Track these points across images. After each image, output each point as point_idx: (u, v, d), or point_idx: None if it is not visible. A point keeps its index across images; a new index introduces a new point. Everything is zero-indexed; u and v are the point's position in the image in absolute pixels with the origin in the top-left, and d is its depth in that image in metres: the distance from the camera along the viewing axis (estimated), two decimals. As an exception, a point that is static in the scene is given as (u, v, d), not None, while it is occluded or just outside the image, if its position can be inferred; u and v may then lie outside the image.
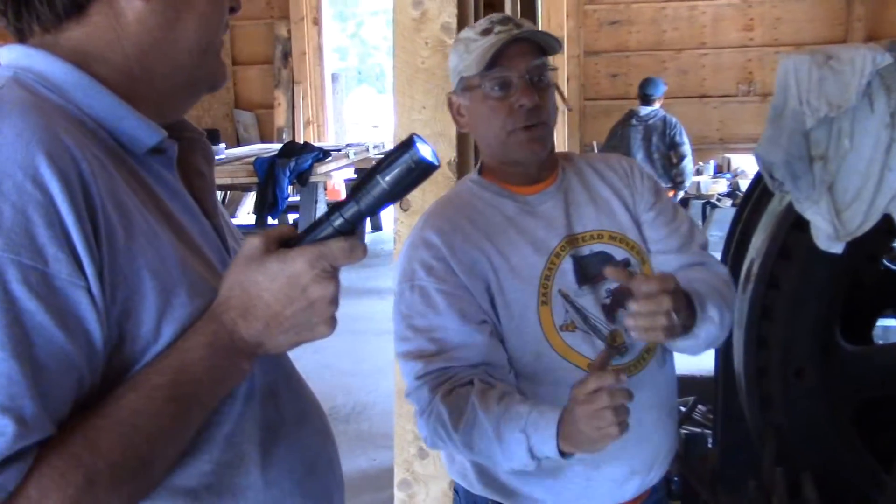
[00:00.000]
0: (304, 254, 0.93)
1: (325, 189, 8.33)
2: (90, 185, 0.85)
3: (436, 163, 0.94)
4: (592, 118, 11.63)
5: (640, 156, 7.05)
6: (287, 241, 0.95)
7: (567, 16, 9.71)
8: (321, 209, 7.76)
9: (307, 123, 11.68)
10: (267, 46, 11.82)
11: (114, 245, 0.86)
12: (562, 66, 10.38)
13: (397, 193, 0.95)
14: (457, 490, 1.78)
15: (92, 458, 0.82)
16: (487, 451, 1.48)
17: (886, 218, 2.11)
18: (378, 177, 0.93)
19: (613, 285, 1.61)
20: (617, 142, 7.26)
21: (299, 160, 7.45)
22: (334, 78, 12.63)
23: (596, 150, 9.53)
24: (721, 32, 11.57)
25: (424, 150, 0.93)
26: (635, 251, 1.66)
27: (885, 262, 2.93)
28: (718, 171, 9.12)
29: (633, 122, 7.30)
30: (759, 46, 11.48)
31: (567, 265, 1.61)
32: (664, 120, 7.23)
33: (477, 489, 1.67)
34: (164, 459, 0.91)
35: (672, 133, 7.11)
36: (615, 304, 1.61)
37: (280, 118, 11.63)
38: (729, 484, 2.82)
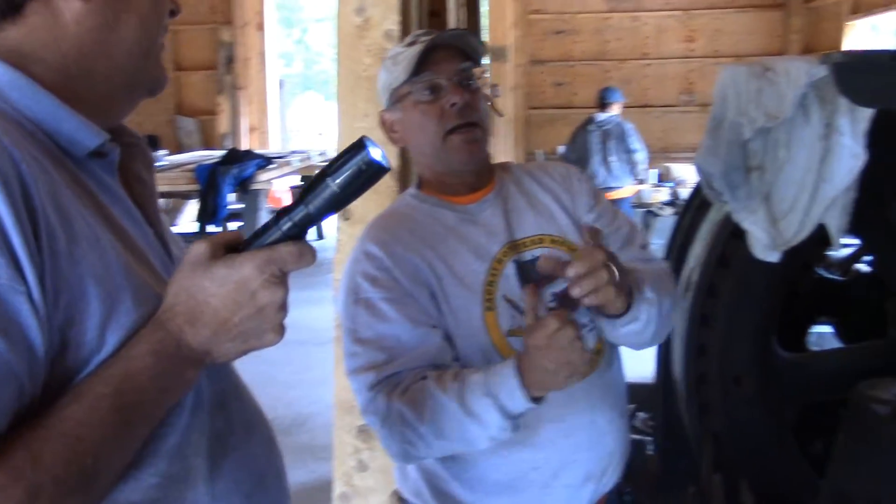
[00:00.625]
0: (252, 258, 0.90)
1: (268, 197, 8.24)
2: (30, 186, 0.82)
3: (386, 165, 0.92)
4: (537, 127, 11.73)
5: (597, 158, 7.56)
6: (234, 247, 0.93)
7: (512, 25, 9.78)
8: (264, 217, 7.68)
9: (251, 130, 11.58)
10: (210, 52, 11.68)
11: (55, 249, 0.83)
12: (507, 75, 10.47)
13: (347, 197, 0.92)
14: None
15: (34, 472, 0.78)
16: (460, 432, 1.44)
17: (821, 227, 2.15)
18: (328, 179, 0.91)
19: (557, 288, 1.61)
20: (577, 146, 7.73)
21: (242, 167, 7.37)
22: (279, 84, 12.53)
23: (541, 159, 9.60)
24: (663, 43, 11.77)
25: (375, 153, 0.91)
26: (579, 254, 1.66)
27: (818, 270, 2.99)
28: (660, 179, 9.23)
29: (591, 127, 7.73)
30: (700, 57, 11.69)
31: (510, 270, 1.60)
32: (620, 126, 7.67)
33: None
34: (109, 472, 0.87)
35: (627, 139, 7.59)
36: (560, 306, 1.61)
37: (223, 124, 11.50)
38: (669, 490, 2.85)
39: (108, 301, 0.87)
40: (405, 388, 1.48)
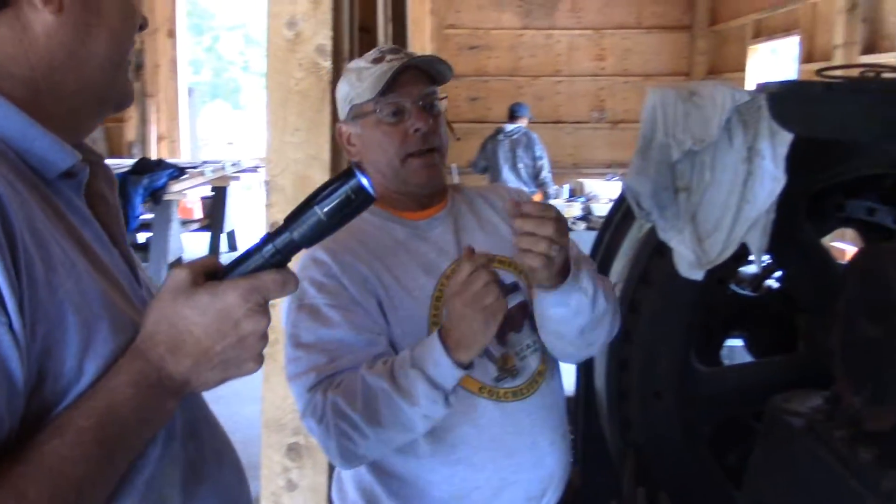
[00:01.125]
0: (236, 287, 0.88)
1: (179, 208, 8.05)
2: (8, 211, 0.79)
3: (374, 195, 0.92)
4: (452, 141, 11.78)
5: (506, 166, 8.30)
6: (214, 273, 0.90)
7: (429, 40, 9.82)
8: (175, 228, 7.51)
9: (160, 139, 11.30)
10: (118, 57, 11.38)
11: (33, 276, 0.80)
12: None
13: (333, 225, 0.91)
14: None
15: None
16: (393, 413, 1.43)
17: (742, 246, 2.22)
18: (315, 207, 0.90)
19: (510, 304, 1.62)
20: (487, 154, 8.44)
21: (153, 177, 7.19)
22: (190, 92, 12.28)
23: (455, 174, 9.67)
24: (575, 61, 12.02)
25: (364, 182, 0.91)
26: (524, 276, 1.67)
27: (731, 286, 3.08)
28: (572, 194, 9.38)
29: (500, 137, 8.44)
30: (611, 76, 11.99)
31: None
32: (527, 135, 8.41)
33: None
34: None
35: (532, 146, 8.34)
36: (506, 326, 1.62)
37: (130, 132, 11.19)
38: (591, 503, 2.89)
39: (85, 330, 0.84)
40: (339, 382, 1.47)
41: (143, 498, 0.91)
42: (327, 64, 2.08)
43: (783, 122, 1.48)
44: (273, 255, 0.90)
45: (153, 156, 9.65)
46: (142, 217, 7.40)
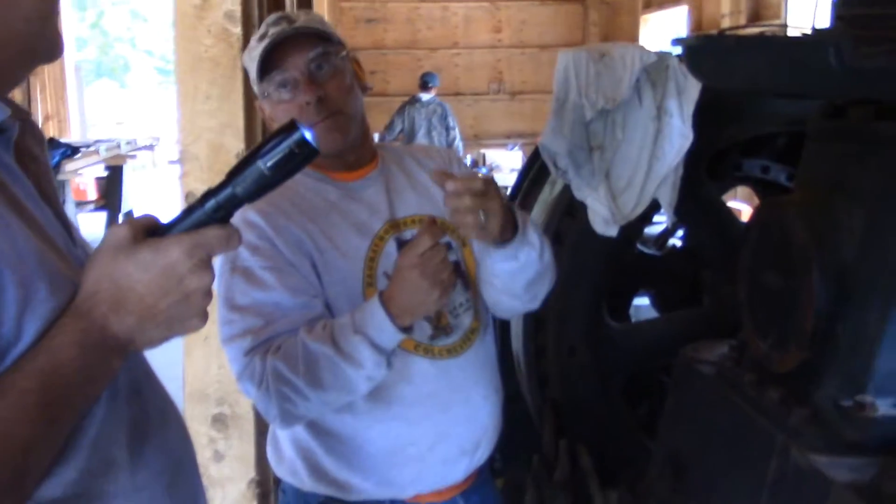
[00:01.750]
0: (179, 242, 0.87)
1: (72, 188, 7.79)
2: None
3: (317, 148, 0.92)
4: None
5: (422, 131, 8.97)
6: (155, 230, 0.89)
7: (325, 12, 9.70)
8: (70, 210, 7.26)
9: (46, 118, 10.86)
10: (-4, 34, 10.86)
11: None
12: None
13: (276, 179, 0.91)
14: (284, 490, 1.73)
15: None
16: (336, 377, 1.45)
17: (654, 202, 2.30)
18: (259, 162, 0.89)
19: None
20: (405, 120, 9.06)
21: (44, 157, 6.91)
22: (76, 70, 11.83)
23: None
24: (472, 33, 12.07)
25: (307, 135, 0.90)
26: (455, 235, 1.69)
27: (638, 246, 3.19)
28: (475, 164, 9.47)
29: (417, 105, 9.12)
30: (507, 47, 12.09)
31: (391, 248, 1.62)
32: (441, 105, 9.17)
33: (308, 485, 1.64)
34: (38, 469, 0.83)
35: (446, 116, 9.05)
36: None
37: (15, 112, 10.72)
38: (513, 460, 2.96)
39: (22, 289, 0.82)
40: (278, 346, 1.47)
41: (90, 458, 0.90)
42: (237, 30, 2.05)
43: (697, 73, 1.55)
44: (216, 211, 0.90)
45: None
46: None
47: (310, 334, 1.47)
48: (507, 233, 1.50)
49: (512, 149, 9.92)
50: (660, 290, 3.26)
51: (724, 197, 3.31)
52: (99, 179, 8.87)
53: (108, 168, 8.57)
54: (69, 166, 7.16)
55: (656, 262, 3.21)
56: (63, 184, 7.18)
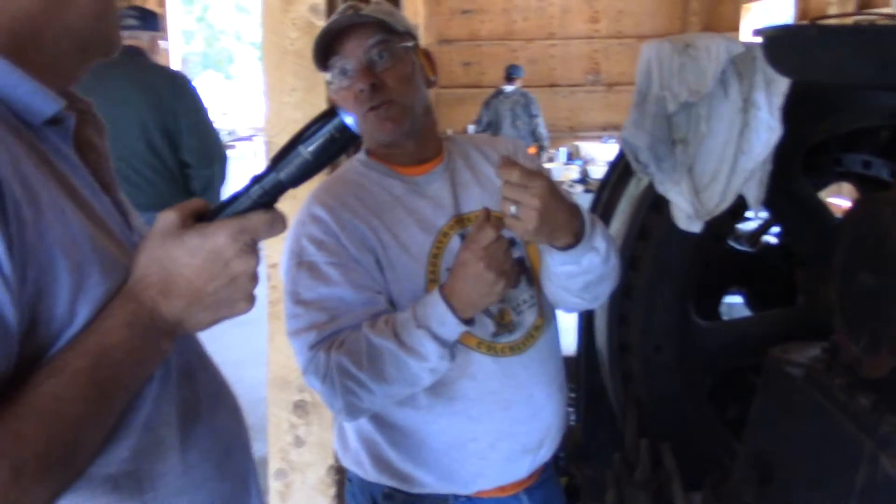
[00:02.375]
0: (225, 227, 0.89)
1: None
2: None
3: (358, 133, 0.93)
4: (447, 106, 11.75)
5: (507, 122, 9.26)
6: (202, 215, 0.91)
7: (421, 4, 9.76)
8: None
9: (153, 109, 11.23)
10: (109, 28, 11.29)
11: (22, 221, 0.80)
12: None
13: (319, 164, 0.92)
14: (350, 479, 1.76)
15: (16, 449, 0.77)
16: (400, 370, 1.46)
17: (739, 198, 2.23)
18: (300, 147, 0.91)
19: None
20: (490, 112, 9.38)
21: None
22: (182, 62, 12.20)
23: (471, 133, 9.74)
24: (569, 24, 11.93)
25: (348, 120, 0.92)
26: None
27: (729, 242, 3.10)
28: (570, 158, 9.39)
29: (501, 97, 9.35)
30: (605, 38, 11.91)
31: (455, 244, 1.62)
32: (524, 95, 9.37)
33: (372, 476, 1.66)
34: (90, 446, 0.86)
35: (529, 105, 9.31)
36: None
37: (125, 104, 11.14)
38: (593, 458, 2.93)
39: (76, 273, 0.85)
40: (342, 341, 1.49)
41: (141, 438, 0.93)
42: (321, 23, 2.08)
43: (777, 65, 1.49)
44: (261, 196, 0.92)
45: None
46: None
47: (372, 329, 1.48)
48: (568, 236, 1.45)
49: (607, 141, 9.79)
50: (752, 289, 3.17)
51: (826, 193, 3.20)
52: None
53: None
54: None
55: (749, 259, 3.12)
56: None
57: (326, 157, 0.92)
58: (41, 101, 0.91)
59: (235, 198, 0.93)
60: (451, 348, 1.46)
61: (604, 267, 1.54)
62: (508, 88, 9.37)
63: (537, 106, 9.36)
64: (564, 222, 1.43)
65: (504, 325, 1.63)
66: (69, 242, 0.85)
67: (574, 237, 1.46)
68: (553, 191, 1.39)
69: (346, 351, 1.47)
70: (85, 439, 0.85)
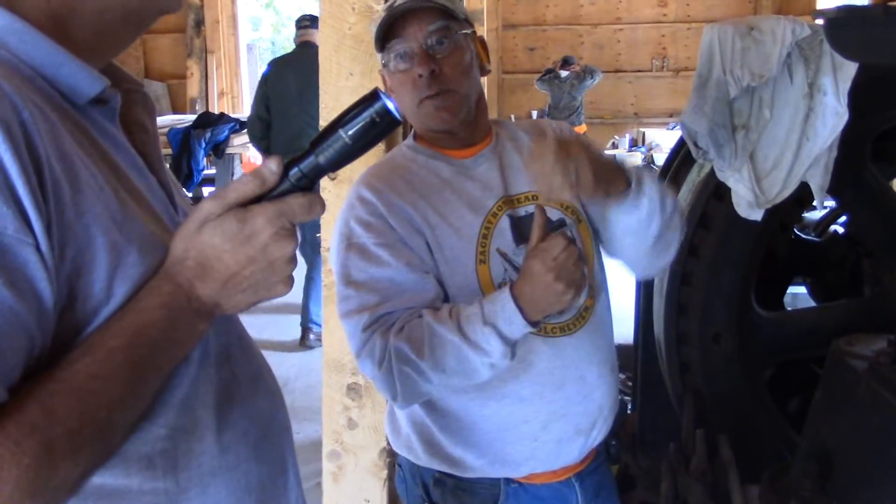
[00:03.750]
0: (263, 212, 0.89)
1: (242, 161, 8.15)
2: (33, 135, 0.79)
3: (399, 118, 0.92)
4: (510, 92, 11.70)
5: (562, 103, 9.92)
6: (244, 201, 0.91)
7: (485, -12, 9.70)
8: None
9: (221, 94, 11.42)
10: (178, 15, 11.46)
11: (61, 199, 0.81)
12: (480, 39, 10.41)
13: (359, 148, 0.91)
14: (400, 464, 1.77)
15: (49, 425, 0.78)
16: (462, 363, 1.47)
17: (799, 189, 2.17)
18: (340, 131, 0.90)
19: None
20: (549, 87, 10.12)
21: (215, 131, 7.28)
22: (249, 48, 12.36)
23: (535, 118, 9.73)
24: (635, 8, 11.75)
25: (389, 104, 0.91)
26: (570, 211, 1.68)
27: (795, 231, 3.03)
28: (633, 144, 9.27)
29: (556, 81, 9.96)
30: (672, 23, 11.70)
31: (504, 224, 1.61)
32: (578, 76, 9.99)
33: (423, 461, 1.67)
34: (123, 425, 0.87)
35: (581, 86, 10.02)
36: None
37: (193, 89, 11.33)
38: (649, 448, 2.90)
39: (114, 252, 0.86)
40: (401, 327, 1.50)
41: (178, 417, 0.94)
42: (380, 7, 2.08)
43: (840, 48, 1.44)
44: (299, 180, 0.91)
45: (215, 111, 9.77)
46: (205, 171, 7.50)
47: (436, 318, 1.48)
48: (621, 184, 1.50)
49: (673, 128, 9.63)
50: (818, 279, 3.10)
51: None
52: (266, 153, 9.24)
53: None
54: (237, 140, 7.48)
55: (815, 248, 3.05)
56: (231, 157, 7.52)
57: (366, 142, 0.91)
58: (85, 80, 0.91)
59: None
60: (513, 346, 1.47)
61: (663, 210, 1.57)
62: (563, 74, 10.02)
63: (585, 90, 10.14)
64: (613, 169, 1.48)
65: None
66: (108, 221, 0.86)
67: (626, 182, 1.51)
68: (590, 146, 1.45)
69: (407, 337, 1.48)
70: (118, 418, 0.85)
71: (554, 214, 1.65)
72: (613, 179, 1.49)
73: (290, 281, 0.94)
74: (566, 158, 1.39)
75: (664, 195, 1.57)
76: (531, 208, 1.63)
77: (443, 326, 1.47)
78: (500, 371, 1.52)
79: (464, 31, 1.61)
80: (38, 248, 0.79)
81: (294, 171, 0.91)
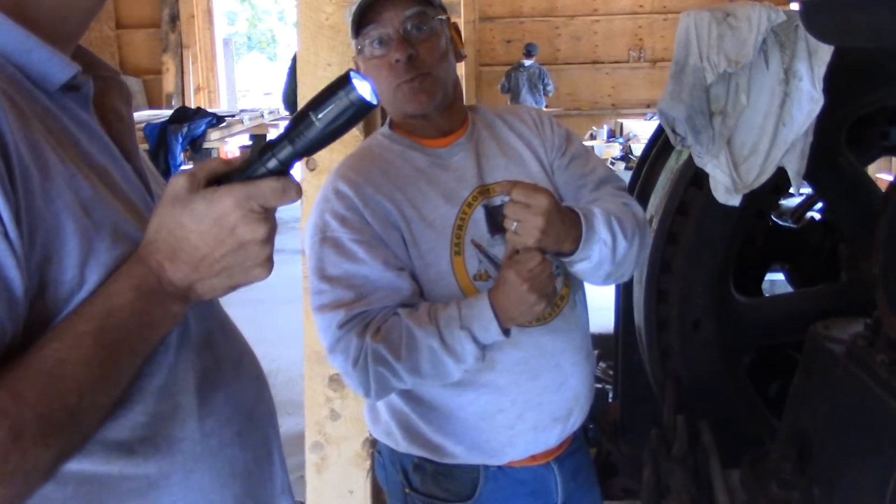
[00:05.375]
0: (231, 193, 0.88)
1: (219, 155, 8.12)
2: (0, 122, 0.79)
3: (374, 102, 0.90)
4: (487, 84, 11.72)
5: (524, 90, 11.21)
6: (216, 179, 0.90)
7: (462, -20, 9.69)
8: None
9: (197, 90, 11.37)
10: (153, 9, 11.40)
11: (29, 187, 0.80)
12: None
13: (333, 133, 0.90)
14: (380, 451, 1.78)
15: (17, 410, 0.77)
16: (436, 367, 1.49)
17: (776, 175, 2.19)
18: (311, 115, 0.88)
19: None
20: (511, 82, 11.27)
21: (192, 126, 7.25)
22: (225, 43, 12.30)
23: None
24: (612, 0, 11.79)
25: (362, 88, 0.88)
26: None
27: (773, 218, 3.05)
28: (611, 135, 9.30)
29: (521, 69, 11.17)
30: (649, 14, 11.76)
31: (479, 215, 1.61)
32: (539, 68, 11.28)
33: (402, 447, 1.67)
34: (95, 410, 0.86)
35: (543, 76, 11.27)
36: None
37: (169, 84, 11.27)
38: (631, 435, 2.92)
39: (85, 238, 0.85)
40: (378, 328, 1.50)
41: (157, 403, 0.93)
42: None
43: (815, 30, 1.45)
44: (273, 164, 0.90)
45: (192, 106, 9.72)
46: (183, 166, 7.47)
47: (413, 320, 1.49)
48: (571, 243, 1.50)
49: (651, 118, 9.67)
50: (795, 265, 3.12)
51: (873, 168, 3.13)
52: (243, 147, 9.21)
53: (252, 137, 8.89)
54: (214, 135, 7.46)
55: (792, 235, 3.07)
56: (209, 152, 7.49)
57: (338, 126, 0.89)
58: (55, 67, 0.90)
59: (249, 163, 0.91)
60: (484, 350, 1.50)
61: (613, 255, 1.56)
62: (527, 62, 11.12)
63: (548, 75, 11.30)
64: (565, 233, 1.48)
65: None
66: (78, 208, 0.85)
67: (576, 242, 1.51)
68: (555, 206, 1.44)
69: (384, 339, 1.48)
70: (90, 402, 0.84)
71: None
72: (564, 238, 1.49)
73: (268, 264, 0.93)
74: (521, 212, 1.42)
75: (616, 240, 1.55)
76: (507, 197, 1.63)
77: (420, 330, 1.48)
78: (471, 370, 1.55)
79: (439, 17, 1.61)
80: (6, 236, 0.78)
81: (267, 156, 0.90)
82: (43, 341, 0.82)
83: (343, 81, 0.88)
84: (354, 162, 1.66)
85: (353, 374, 1.52)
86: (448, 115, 1.66)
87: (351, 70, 0.90)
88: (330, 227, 1.56)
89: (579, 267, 1.57)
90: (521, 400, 1.61)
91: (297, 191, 0.91)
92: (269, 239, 0.92)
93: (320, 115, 0.88)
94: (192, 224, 0.88)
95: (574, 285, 1.70)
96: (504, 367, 1.59)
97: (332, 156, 2.06)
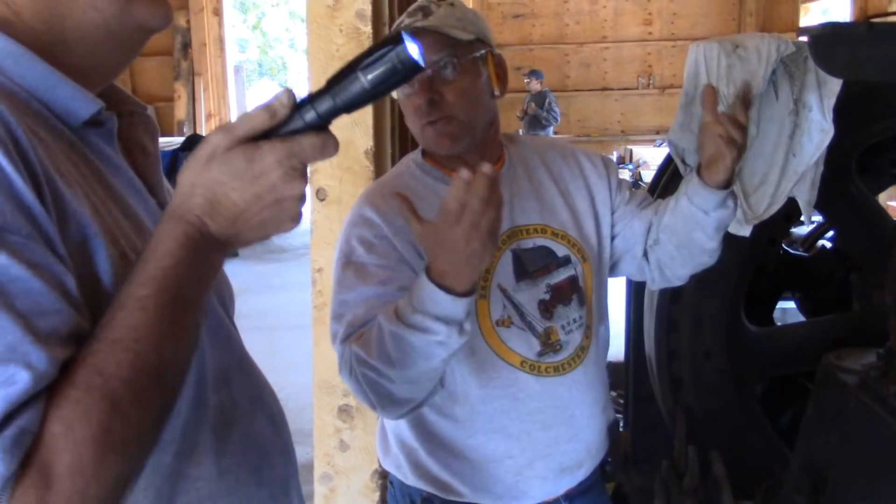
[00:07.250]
0: (273, 150, 0.86)
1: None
2: (28, 151, 0.80)
3: (422, 64, 0.88)
4: (499, 110, 11.74)
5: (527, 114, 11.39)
6: (252, 135, 0.88)
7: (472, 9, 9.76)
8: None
9: (209, 117, 11.44)
10: (165, 37, 11.48)
11: (63, 212, 0.81)
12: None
13: (377, 93, 0.88)
14: (391, 482, 1.76)
15: (103, 381, 0.77)
16: (406, 353, 1.35)
17: (787, 204, 2.18)
18: (358, 72, 0.86)
19: (554, 280, 1.61)
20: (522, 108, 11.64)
21: (203, 153, 7.26)
22: (236, 70, 12.40)
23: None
24: (621, 27, 11.87)
25: (412, 49, 0.86)
26: (576, 249, 1.66)
27: (784, 246, 3.05)
28: (621, 161, 9.31)
29: (529, 95, 11.12)
30: (658, 41, 11.82)
31: (507, 259, 1.59)
32: (545, 93, 11.29)
33: (411, 480, 1.66)
34: (177, 364, 0.86)
35: (549, 100, 11.27)
36: (555, 299, 1.61)
37: (180, 111, 11.35)
38: (641, 465, 2.89)
39: (109, 265, 0.86)
40: (360, 333, 1.45)
41: (179, 443, 0.94)
42: (367, 29, 2.09)
43: (825, 65, 1.45)
44: (313, 119, 0.88)
45: (203, 133, 9.77)
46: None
47: (383, 315, 1.40)
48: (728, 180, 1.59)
49: (660, 145, 9.68)
50: (807, 294, 3.10)
51: (884, 197, 3.12)
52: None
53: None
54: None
55: (803, 263, 3.06)
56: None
57: (385, 87, 0.87)
58: (79, 103, 0.91)
59: (288, 118, 0.88)
60: (458, 323, 1.33)
61: (731, 217, 1.65)
62: (534, 87, 11.35)
63: (555, 101, 11.35)
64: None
65: (550, 344, 1.60)
66: (106, 240, 0.86)
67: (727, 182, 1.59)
68: None
69: (362, 341, 1.43)
70: (171, 359, 0.84)
71: (560, 251, 1.64)
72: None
73: (298, 217, 0.92)
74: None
75: (732, 212, 1.65)
76: (539, 241, 1.61)
77: (386, 319, 1.37)
78: (457, 350, 1.38)
79: (472, 55, 1.58)
80: (56, 253, 0.79)
81: (307, 109, 0.88)
82: (107, 316, 0.82)
83: (395, 40, 0.86)
84: (383, 189, 1.65)
85: (352, 386, 1.48)
86: (480, 152, 1.63)
87: (403, 30, 0.88)
88: (356, 252, 1.54)
89: (717, 214, 1.61)
90: (532, 449, 1.60)
91: (336, 146, 0.90)
92: (304, 195, 0.91)
93: (370, 76, 0.86)
94: (233, 181, 0.87)
95: (595, 336, 1.69)
96: (518, 415, 1.58)
97: (342, 185, 2.07)
